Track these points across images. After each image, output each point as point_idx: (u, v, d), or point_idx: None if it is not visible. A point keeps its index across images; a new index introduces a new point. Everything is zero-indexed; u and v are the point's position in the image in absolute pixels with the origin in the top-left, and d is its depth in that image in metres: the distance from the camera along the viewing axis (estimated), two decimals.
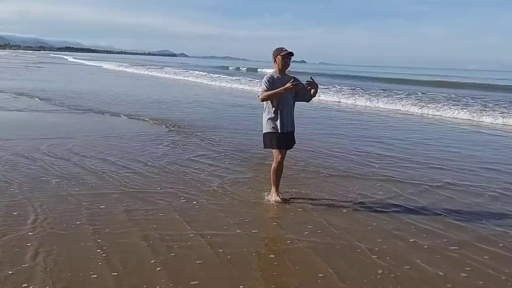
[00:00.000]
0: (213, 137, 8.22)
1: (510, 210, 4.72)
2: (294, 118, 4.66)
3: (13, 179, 5.01)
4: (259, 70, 53.66)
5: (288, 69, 4.58)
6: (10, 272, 2.91)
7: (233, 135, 8.69)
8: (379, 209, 4.56)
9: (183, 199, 4.60)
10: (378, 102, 17.19)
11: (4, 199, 4.34)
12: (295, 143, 4.72)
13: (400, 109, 15.72)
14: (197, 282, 2.89)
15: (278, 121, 4.48)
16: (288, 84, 4.31)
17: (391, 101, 17.31)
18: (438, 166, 6.61)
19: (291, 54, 4.46)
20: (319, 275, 3.06)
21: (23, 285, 2.74)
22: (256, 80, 26.85)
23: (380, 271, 3.14)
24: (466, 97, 20.56)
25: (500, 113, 14.06)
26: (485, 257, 3.48)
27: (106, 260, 3.12)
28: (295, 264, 3.22)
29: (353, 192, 5.12)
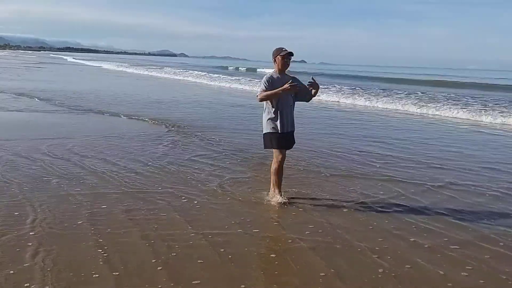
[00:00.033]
0: (213, 137, 8.22)
1: (511, 210, 4.72)
2: (294, 118, 4.66)
3: (13, 179, 5.01)
4: (258, 70, 53.70)
5: (288, 69, 4.58)
6: (12, 272, 2.91)
7: (233, 135, 8.68)
8: (380, 208, 4.56)
9: (183, 199, 4.60)
10: (378, 102, 17.19)
11: (5, 199, 4.34)
12: (294, 143, 4.72)
13: (400, 109, 15.72)
14: (199, 281, 2.89)
15: (278, 121, 4.47)
16: (286, 85, 4.30)
17: (391, 101, 17.31)
18: (439, 166, 6.61)
19: (291, 54, 4.46)
20: (320, 274, 3.06)
21: (25, 285, 2.74)
22: (256, 80, 26.86)
23: (380, 270, 3.15)
24: (466, 97, 20.56)
25: (499, 112, 14.05)
26: (485, 256, 3.48)
27: (107, 260, 3.12)
28: (296, 264, 3.22)
29: (354, 191, 5.12)
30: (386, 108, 16.01)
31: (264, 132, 4.60)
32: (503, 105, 16.89)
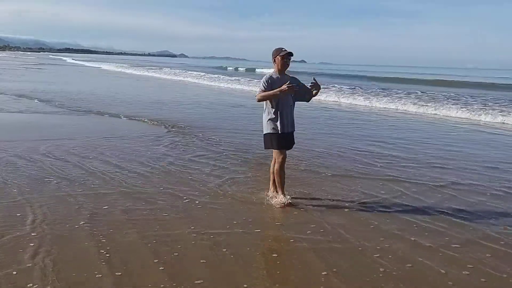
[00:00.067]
0: (213, 137, 8.22)
1: None
2: (294, 118, 4.66)
3: (13, 181, 5.01)
4: (257, 70, 53.78)
5: (288, 69, 4.58)
6: (14, 272, 2.91)
7: (233, 135, 8.69)
8: (381, 208, 4.56)
9: (185, 199, 4.60)
10: (377, 102, 17.19)
11: (5, 200, 4.34)
12: (294, 143, 4.72)
13: (399, 109, 15.72)
14: (201, 281, 2.90)
15: (279, 122, 4.47)
16: (284, 86, 4.29)
17: (391, 101, 17.32)
18: (440, 165, 6.61)
19: (290, 54, 4.45)
20: (322, 273, 3.07)
21: (26, 285, 2.75)
22: (255, 80, 26.86)
23: (382, 269, 3.15)
24: (466, 96, 20.58)
25: (499, 111, 14.06)
26: (487, 255, 3.48)
27: (108, 260, 3.12)
28: (298, 263, 3.22)
29: (355, 191, 5.12)
30: (386, 108, 16.01)
31: (264, 133, 4.60)
32: (503, 104, 16.90)
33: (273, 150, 4.59)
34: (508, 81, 40.03)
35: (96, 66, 54.56)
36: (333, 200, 4.77)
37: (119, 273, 2.95)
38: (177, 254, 3.29)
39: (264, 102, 4.52)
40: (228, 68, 63.75)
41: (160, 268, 3.05)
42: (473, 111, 14.10)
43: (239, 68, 62.92)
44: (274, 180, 4.74)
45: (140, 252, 3.30)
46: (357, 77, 42.99)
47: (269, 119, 4.51)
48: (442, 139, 9.32)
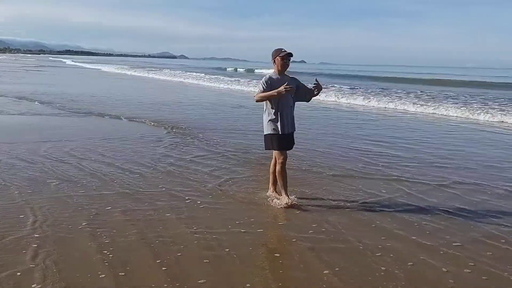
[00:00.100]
0: (213, 138, 8.24)
1: None
2: (294, 119, 4.67)
3: (14, 182, 5.02)
4: (256, 70, 53.89)
5: (288, 69, 4.59)
6: (16, 273, 2.92)
7: (233, 135, 8.70)
8: (383, 207, 4.57)
9: (187, 200, 4.61)
10: (377, 102, 17.21)
11: (6, 202, 4.36)
12: (294, 143, 4.74)
13: (400, 108, 15.73)
14: (204, 280, 2.91)
15: (279, 123, 4.48)
16: (281, 88, 4.30)
17: (391, 100, 17.33)
18: (441, 165, 6.62)
19: (290, 55, 4.47)
20: (324, 272, 3.08)
21: (31, 286, 2.76)
22: (255, 81, 26.88)
23: (383, 268, 3.16)
24: (465, 95, 20.59)
25: (499, 110, 14.07)
26: (488, 253, 3.49)
27: (111, 261, 3.14)
28: (301, 263, 3.23)
29: (356, 191, 5.13)
30: (386, 108, 16.03)
31: (264, 133, 4.61)
32: (503, 103, 16.91)
33: (274, 151, 4.61)
34: (507, 79, 40.01)
35: (96, 68, 54.59)
36: (335, 199, 4.78)
37: (123, 274, 2.96)
38: (180, 254, 3.30)
39: (265, 103, 4.53)
40: (228, 69, 63.81)
41: (163, 268, 3.06)
42: (473, 110, 14.11)
43: (238, 69, 63.00)
44: (273, 180, 4.76)
45: (142, 252, 3.31)
46: (357, 77, 43.01)
47: (269, 120, 4.52)
48: (442, 138, 9.34)
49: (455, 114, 13.88)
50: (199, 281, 2.90)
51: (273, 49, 4.54)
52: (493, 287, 2.97)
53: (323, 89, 4.82)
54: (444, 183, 5.57)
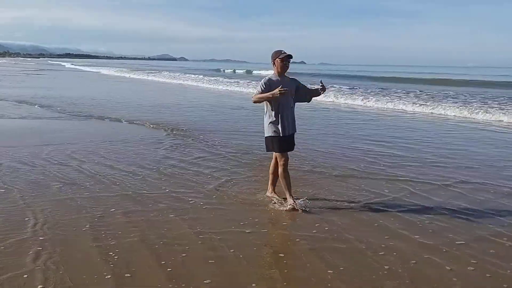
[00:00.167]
0: (214, 139, 8.25)
1: None
2: (295, 120, 4.68)
3: (16, 186, 5.03)
4: (254, 72, 54.01)
5: (288, 70, 4.61)
6: (25, 275, 2.93)
7: (233, 137, 8.71)
8: (386, 207, 4.58)
9: (190, 201, 4.62)
10: (377, 102, 17.23)
11: (8, 205, 4.36)
12: (295, 144, 4.75)
13: (400, 108, 15.73)
14: (209, 280, 2.92)
15: (280, 125, 4.48)
16: (276, 91, 4.30)
17: (390, 100, 17.35)
18: (443, 164, 6.63)
19: (290, 56, 4.48)
20: (328, 271, 3.09)
21: (35, 287, 2.77)
22: (254, 82, 26.89)
23: (386, 267, 3.17)
24: (465, 94, 20.61)
25: (500, 109, 14.07)
26: (491, 251, 3.50)
27: (116, 263, 3.14)
28: (305, 262, 3.24)
29: (359, 191, 5.14)
30: (386, 108, 16.04)
31: (265, 135, 4.62)
32: (503, 102, 16.92)
33: (275, 153, 4.62)
34: (508, 78, 40.02)
35: (95, 71, 54.62)
36: (338, 199, 4.79)
37: (128, 275, 2.97)
38: (184, 255, 3.31)
39: (265, 105, 4.53)
40: (226, 70, 63.87)
41: (168, 269, 3.07)
42: (473, 109, 14.12)
43: (236, 71, 63.09)
44: (272, 181, 4.78)
45: (146, 254, 3.32)
46: (356, 77, 43.03)
47: (270, 122, 4.53)
48: (443, 137, 9.35)
49: (456, 114, 13.85)
50: (204, 281, 2.91)
51: (273, 51, 4.56)
52: (496, 285, 2.98)
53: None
54: (447, 182, 5.58)
